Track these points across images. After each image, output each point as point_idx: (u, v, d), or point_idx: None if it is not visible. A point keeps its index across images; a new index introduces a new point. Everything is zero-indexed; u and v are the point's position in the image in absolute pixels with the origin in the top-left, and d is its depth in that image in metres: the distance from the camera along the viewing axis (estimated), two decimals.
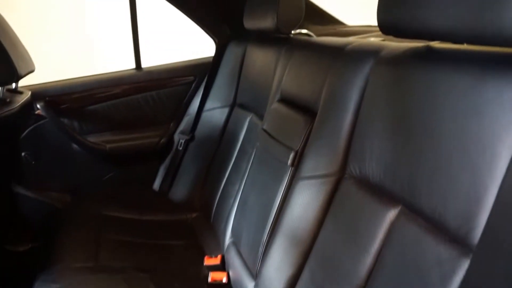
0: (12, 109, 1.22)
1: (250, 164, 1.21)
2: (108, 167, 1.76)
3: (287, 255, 0.87)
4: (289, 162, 0.95)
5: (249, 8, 1.38)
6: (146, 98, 1.75)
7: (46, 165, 1.71)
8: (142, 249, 1.30)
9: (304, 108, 1.01)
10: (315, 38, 1.23)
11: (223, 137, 1.54)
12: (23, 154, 1.66)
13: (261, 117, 1.28)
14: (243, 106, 1.47)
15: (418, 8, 0.60)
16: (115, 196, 1.70)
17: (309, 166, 0.90)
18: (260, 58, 1.41)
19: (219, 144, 1.55)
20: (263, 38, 1.41)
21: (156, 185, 1.77)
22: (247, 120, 1.40)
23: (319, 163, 0.88)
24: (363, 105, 0.80)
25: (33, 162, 1.69)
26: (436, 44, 0.70)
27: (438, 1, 0.57)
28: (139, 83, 1.73)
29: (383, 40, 0.99)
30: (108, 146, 1.71)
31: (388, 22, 0.68)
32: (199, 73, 1.76)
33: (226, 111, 1.57)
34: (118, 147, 1.72)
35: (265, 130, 1.13)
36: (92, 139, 1.72)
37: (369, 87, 0.79)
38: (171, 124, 1.78)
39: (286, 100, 1.12)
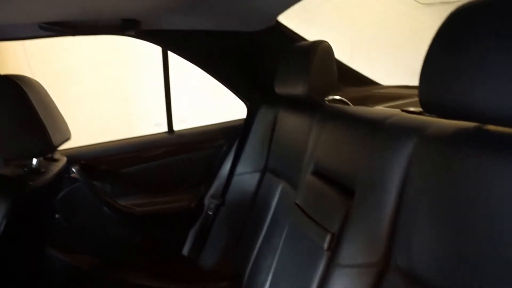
0: (47, 179, 1.24)
1: (282, 240, 1.14)
2: (138, 231, 1.74)
3: None
4: (325, 245, 0.88)
5: (281, 73, 1.37)
6: (177, 161, 1.75)
7: (77, 227, 1.72)
8: None
9: (340, 185, 0.95)
10: (351, 108, 1.19)
11: (255, 203, 1.50)
12: (56, 216, 1.68)
13: (293, 186, 1.23)
14: (275, 172, 1.43)
15: (466, 87, 0.54)
16: (143, 262, 1.66)
17: (348, 252, 0.83)
18: (292, 124, 1.38)
19: (251, 211, 1.50)
20: (295, 104, 1.40)
21: (186, 250, 1.72)
22: (279, 188, 1.35)
23: (359, 250, 0.80)
24: (407, 188, 0.73)
25: (66, 225, 1.71)
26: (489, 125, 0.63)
27: (489, 79, 0.50)
28: (171, 147, 1.75)
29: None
30: (138, 209, 1.71)
31: (431, 101, 0.62)
32: (230, 137, 1.76)
33: (257, 176, 1.53)
34: (148, 210, 1.71)
35: (298, 205, 1.07)
36: (123, 202, 1.72)
37: (414, 169, 0.72)
38: (202, 188, 1.76)
39: (320, 174, 1.06)
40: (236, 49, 1.63)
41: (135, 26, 1.44)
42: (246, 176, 1.60)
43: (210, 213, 1.67)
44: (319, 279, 0.88)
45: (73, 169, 1.64)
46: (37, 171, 1.24)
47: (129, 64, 3.17)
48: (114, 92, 3.17)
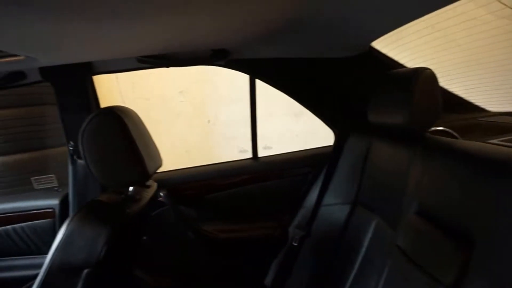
0: (141, 205, 1.29)
1: (381, 284, 1.06)
2: (220, 257, 1.75)
3: None
4: None
5: (376, 101, 1.30)
6: (261, 188, 1.75)
7: (162, 249, 1.78)
8: None
9: (453, 230, 0.86)
10: (464, 143, 1.08)
11: (344, 237, 1.43)
12: (144, 238, 1.76)
13: (390, 223, 1.14)
14: (368, 207, 1.35)
15: None
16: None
17: None
18: (388, 155, 1.30)
19: (339, 246, 1.43)
20: (391, 133, 1.31)
21: (268, 280, 1.69)
22: (373, 224, 1.26)
23: None
24: None
25: (152, 247, 1.78)
26: None
27: None
28: (255, 173, 1.75)
29: None
30: (221, 235, 1.72)
31: None
32: (316, 164, 1.71)
33: (347, 208, 1.46)
34: (231, 237, 1.72)
35: (400, 248, 0.98)
36: (207, 227, 1.75)
37: None
38: (286, 217, 1.73)
39: (426, 215, 0.97)
40: (325, 76, 1.60)
41: (225, 56, 1.48)
42: (335, 207, 1.54)
43: (295, 244, 1.63)
44: None
45: (161, 194, 1.71)
46: (133, 198, 1.31)
47: (214, 89, 3.29)
48: (199, 117, 3.30)
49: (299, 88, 1.62)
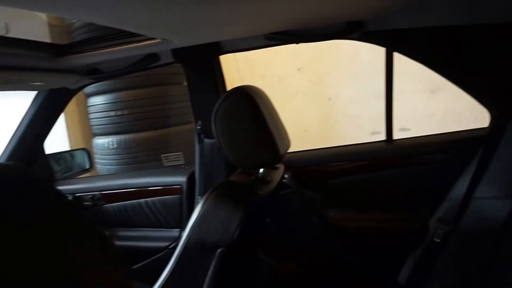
0: (272, 187, 1.32)
1: None
2: (349, 247, 1.71)
3: None
4: None
5: None
6: (396, 174, 1.64)
7: (285, 234, 1.81)
8: None
9: None
10: None
11: (504, 238, 1.26)
12: (267, 220, 1.81)
13: None
14: None
15: None
16: (352, 283, 1.63)
17: None
18: None
19: (499, 248, 1.27)
20: None
21: (403, 278, 1.60)
22: None
23: None
24: None
25: (275, 230, 1.82)
26: None
27: None
28: (389, 158, 1.65)
29: None
30: (350, 224, 1.68)
31: None
32: (464, 150, 1.54)
33: (508, 204, 1.29)
34: (360, 226, 1.66)
35: None
36: (334, 214, 1.72)
37: None
38: (424, 208, 1.60)
39: None
40: (479, 45, 1.41)
41: (360, 29, 1.41)
42: (491, 201, 1.37)
43: (437, 240, 1.51)
44: None
45: (286, 176, 1.72)
46: (263, 180, 1.34)
47: (335, 64, 3.19)
48: (319, 94, 3.25)
49: (447, 61, 1.46)
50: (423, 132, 1.69)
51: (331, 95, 3.25)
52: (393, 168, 1.65)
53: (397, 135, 1.69)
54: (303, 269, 1.79)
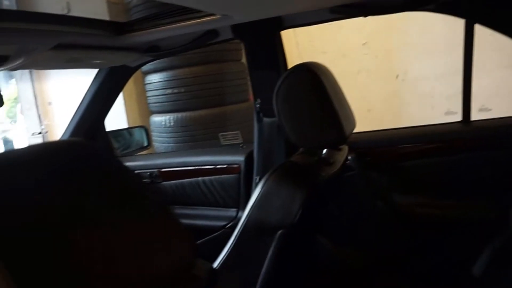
0: (335, 170, 1.29)
1: None
2: (416, 236, 1.65)
3: None
4: None
5: None
6: (472, 158, 1.55)
7: (347, 218, 1.78)
8: None
9: None
10: None
11: None
12: (329, 203, 1.78)
13: None
14: None
15: None
16: (416, 273, 1.58)
17: None
18: None
19: None
20: None
21: (477, 270, 1.52)
22: None
23: None
24: None
25: (337, 213, 1.79)
26: None
27: None
28: (465, 141, 1.56)
29: None
30: (418, 210, 1.61)
31: None
32: None
33: None
34: (432, 214, 1.59)
35: None
36: (401, 199, 1.66)
37: None
38: (506, 196, 1.50)
39: None
40: None
41: None
42: None
43: None
44: None
45: (349, 157, 1.68)
46: (326, 161, 1.31)
47: (403, 39, 3.03)
48: (385, 71, 3.12)
49: None
50: (507, 113, 1.57)
51: (399, 72, 3.10)
52: (469, 151, 1.55)
53: (475, 115, 1.58)
54: (365, 256, 1.76)
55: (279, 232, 1.10)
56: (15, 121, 5.28)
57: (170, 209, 0.58)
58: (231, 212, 1.96)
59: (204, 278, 0.70)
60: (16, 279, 0.38)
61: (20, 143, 5.30)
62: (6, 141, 5.76)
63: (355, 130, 1.68)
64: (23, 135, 4.70)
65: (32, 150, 0.52)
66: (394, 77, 3.12)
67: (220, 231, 1.93)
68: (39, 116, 4.10)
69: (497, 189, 1.53)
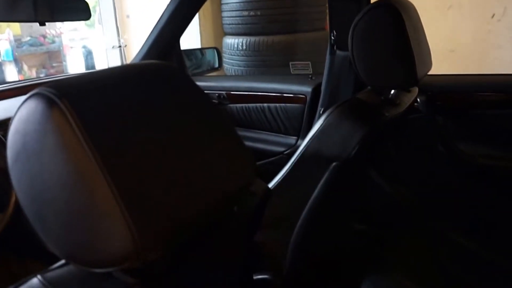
0: (399, 112, 1.31)
1: None
2: (471, 185, 1.66)
3: None
4: None
5: None
6: None
7: (405, 160, 1.81)
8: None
9: None
10: None
11: None
12: (388, 142, 1.82)
13: None
14: None
15: None
16: (467, 221, 1.61)
17: None
18: None
19: None
20: None
21: None
22: None
23: None
24: None
25: (394, 153, 1.83)
26: None
27: None
28: None
29: None
30: (480, 160, 1.61)
31: None
32: None
33: None
34: (494, 165, 1.59)
35: None
36: (464, 147, 1.65)
37: None
38: None
39: None
40: None
41: None
42: None
43: None
44: None
45: (418, 99, 1.67)
46: (393, 102, 1.34)
47: None
48: (480, 9, 2.87)
49: None
50: None
51: (496, 10, 2.85)
52: None
53: None
54: (417, 197, 1.81)
55: (333, 164, 1.17)
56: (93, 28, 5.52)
57: (235, 130, 0.66)
58: (291, 139, 2.06)
59: (260, 195, 0.80)
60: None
61: (99, 55, 5.56)
62: (86, 51, 6.10)
63: (431, 72, 1.67)
64: (101, 47, 4.97)
65: (117, 71, 0.61)
66: (489, 16, 2.88)
67: (278, 156, 2.05)
68: (117, 29, 4.32)
69: None
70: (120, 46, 4.28)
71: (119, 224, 0.45)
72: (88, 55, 6.03)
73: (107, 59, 4.69)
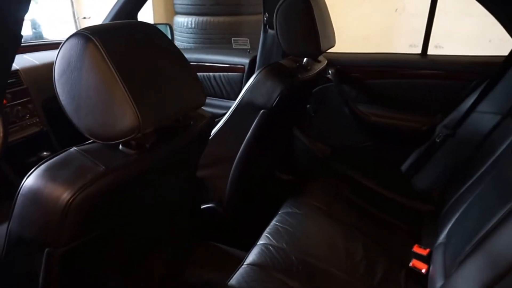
0: (309, 75, 1.70)
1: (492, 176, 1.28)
2: (367, 137, 2.11)
3: (479, 274, 0.90)
4: None
5: None
6: (422, 85, 1.95)
7: (321, 119, 2.23)
8: (367, 215, 1.65)
9: None
10: None
11: (484, 144, 1.60)
12: (308, 106, 2.22)
13: None
14: None
15: None
16: (363, 163, 2.06)
17: None
18: None
19: (478, 150, 1.61)
20: None
21: (404, 166, 2.01)
22: None
23: None
24: None
25: (313, 114, 2.24)
26: None
27: None
28: (419, 70, 1.95)
29: None
30: (373, 118, 2.06)
31: None
32: (482, 73, 1.79)
33: (496, 119, 1.59)
34: (381, 122, 2.04)
35: None
36: (362, 108, 2.09)
37: None
38: (437, 116, 1.93)
39: None
40: None
41: None
42: (486, 116, 1.67)
43: (438, 140, 1.86)
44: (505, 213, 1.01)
45: (330, 71, 2.08)
46: (305, 67, 1.72)
47: None
48: (388, 3, 3.31)
49: None
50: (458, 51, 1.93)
51: (399, 6, 3.35)
52: (421, 79, 1.94)
53: (432, 51, 1.94)
54: (331, 148, 2.23)
55: (262, 111, 1.51)
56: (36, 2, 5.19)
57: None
58: (232, 103, 2.38)
59: (207, 119, 1.09)
60: None
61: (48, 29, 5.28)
62: (35, 24, 5.76)
63: (339, 50, 2.07)
64: (49, 21, 4.80)
65: (118, 25, 0.88)
66: (394, 10, 3.36)
67: (220, 118, 2.37)
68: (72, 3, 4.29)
69: (435, 110, 1.95)
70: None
71: (130, 111, 0.70)
72: (37, 28, 5.77)
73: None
